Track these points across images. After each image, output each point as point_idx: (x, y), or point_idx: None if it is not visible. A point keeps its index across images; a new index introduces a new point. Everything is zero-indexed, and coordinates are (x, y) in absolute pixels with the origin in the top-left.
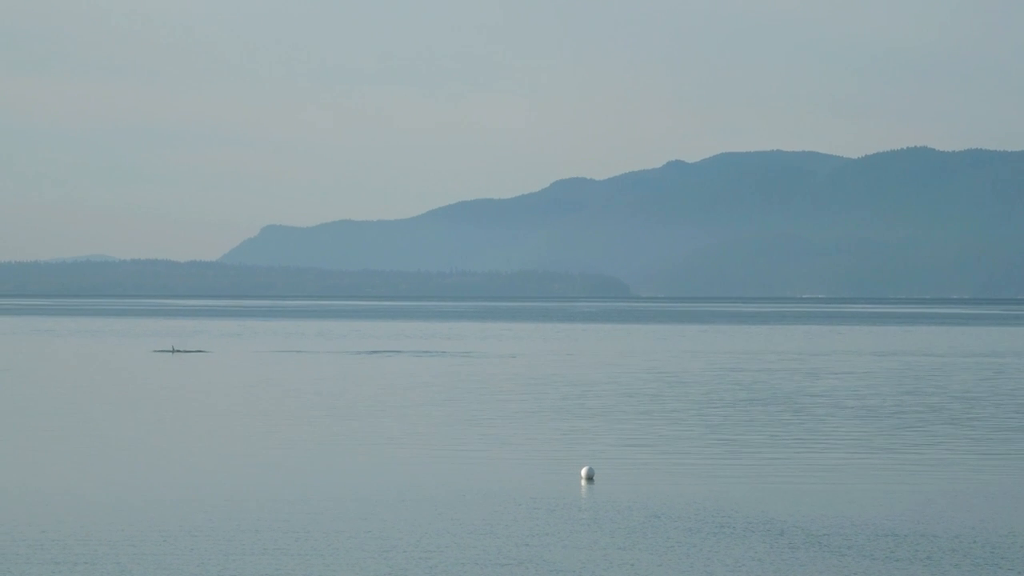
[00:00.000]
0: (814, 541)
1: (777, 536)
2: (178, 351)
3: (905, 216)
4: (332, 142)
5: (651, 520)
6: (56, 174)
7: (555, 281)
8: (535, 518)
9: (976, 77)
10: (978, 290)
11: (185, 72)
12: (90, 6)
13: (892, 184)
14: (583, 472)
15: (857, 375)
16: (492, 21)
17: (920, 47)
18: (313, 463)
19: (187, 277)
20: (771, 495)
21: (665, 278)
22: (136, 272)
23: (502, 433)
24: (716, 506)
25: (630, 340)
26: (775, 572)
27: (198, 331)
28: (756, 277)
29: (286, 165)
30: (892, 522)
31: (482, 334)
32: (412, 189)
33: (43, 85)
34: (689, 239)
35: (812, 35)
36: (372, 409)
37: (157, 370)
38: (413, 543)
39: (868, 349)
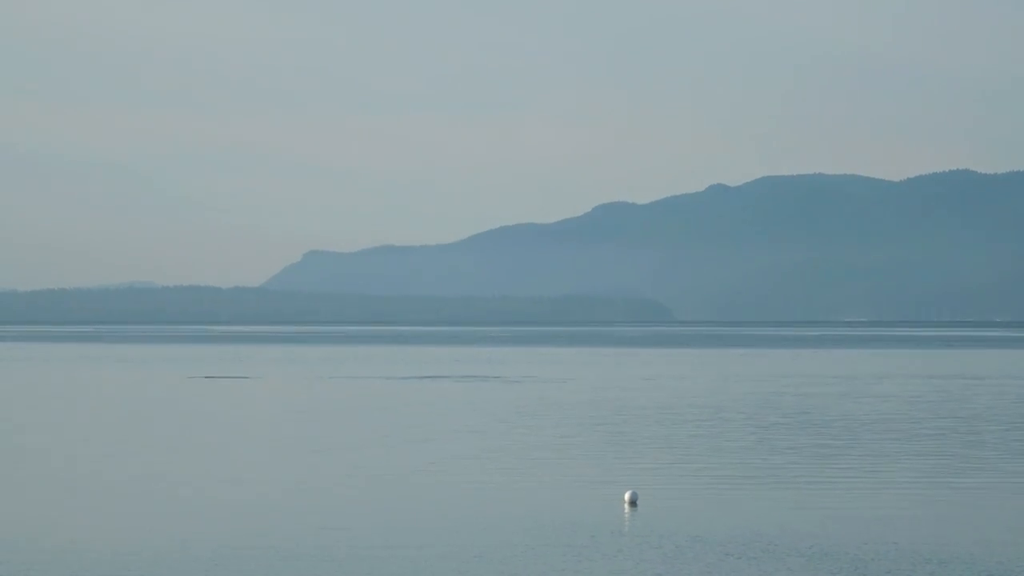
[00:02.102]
0: (857, 565)
1: (819, 560)
2: (216, 377)
3: (948, 238)
4: (374, 167)
5: (693, 544)
6: (98, 201)
7: (597, 305)
8: (576, 543)
9: (1018, 99)
10: (1021, 312)
11: (226, 98)
12: (132, 34)
13: (935, 207)
14: (626, 497)
15: (901, 398)
16: (533, 44)
17: (961, 69)
18: (353, 489)
19: (230, 303)
20: (814, 519)
21: (707, 302)
22: (179, 298)
23: (544, 457)
24: (759, 530)
25: (673, 364)
26: None
27: (242, 357)
28: (799, 301)
29: (328, 191)
30: (936, 548)
31: (525, 359)
32: (454, 214)
33: (84, 112)
34: (731, 263)
35: (852, 58)
36: (416, 434)
37: (200, 398)
38: (452, 568)
39: (912, 372)
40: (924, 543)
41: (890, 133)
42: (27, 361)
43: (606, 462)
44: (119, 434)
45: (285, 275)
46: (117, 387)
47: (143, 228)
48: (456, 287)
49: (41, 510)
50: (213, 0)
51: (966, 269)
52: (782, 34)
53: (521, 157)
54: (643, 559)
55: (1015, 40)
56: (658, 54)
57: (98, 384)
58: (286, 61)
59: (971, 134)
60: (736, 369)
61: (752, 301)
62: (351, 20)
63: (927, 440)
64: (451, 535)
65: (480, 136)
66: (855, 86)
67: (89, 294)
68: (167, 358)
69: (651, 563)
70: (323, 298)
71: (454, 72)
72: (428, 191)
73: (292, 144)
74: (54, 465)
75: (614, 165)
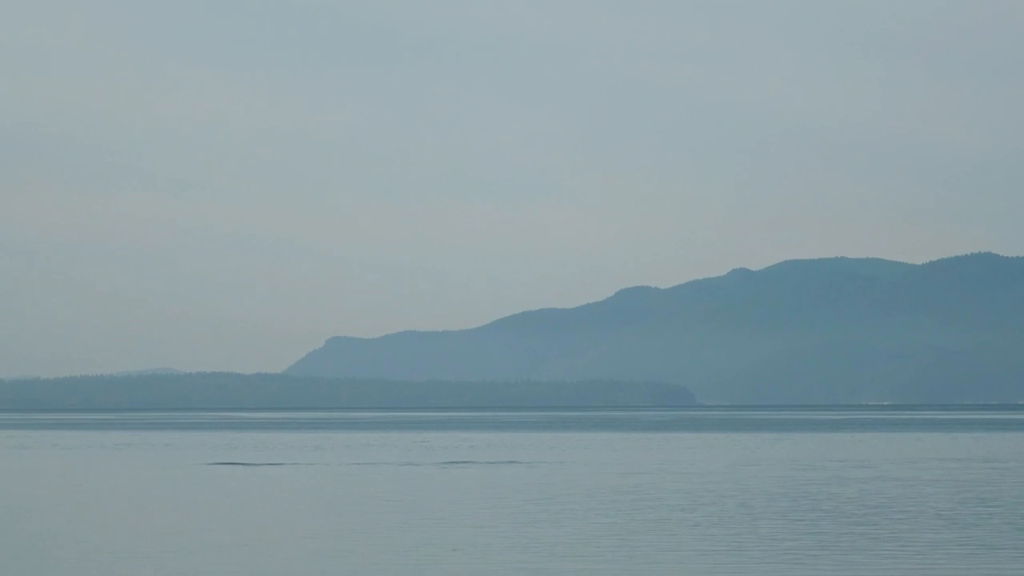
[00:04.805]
0: None
1: None
2: (241, 464)
3: (970, 322)
4: (395, 253)
5: None
6: (120, 287)
7: (620, 390)
8: None
9: None
10: None
11: (248, 184)
12: (154, 120)
13: (956, 290)
14: None
15: (928, 483)
16: (553, 130)
17: (982, 152)
18: (365, 572)
19: (253, 389)
20: None
21: (730, 386)
22: (202, 385)
23: (568, 543)
24: None
25: (697, 449)
26: None
27: (266, 444)
28: (821, 384)
29: (350, 277)
30: None
31: (549, 444)
32: (476, 299)
33: (106, 199)
34: (754, 346)
35: (872, 143)
36: (439, 522)
37: (225, 486)
38: None
39: (937, 456)
40: None
41: (911, 216)
42: (53, 449)
43: (631, 548)
44: (150, 527)
45: (308, 361)
46: (144, 476)
47: (165, 315)
48: (479, 372)
49: None
50: (231, 86)
51: (988, 352)
52: (803, 118)
53: (543, 243)
54: None
55: None
56: (679, 140)
57: (124, 473)
58: (308, 147)
59: (992, 217)
60: (761, 454)
61: (775, 385)
62: (371, 107)
63: (960, 526)
64: None
65: (502, 222)
66: (876, 169)
67: (113, 381)
68: (191, 445)
69: None
70: (346, 384)
71: (475, 157)
72: (450, 277)
73: (314, 230)
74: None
75: (636, 250)
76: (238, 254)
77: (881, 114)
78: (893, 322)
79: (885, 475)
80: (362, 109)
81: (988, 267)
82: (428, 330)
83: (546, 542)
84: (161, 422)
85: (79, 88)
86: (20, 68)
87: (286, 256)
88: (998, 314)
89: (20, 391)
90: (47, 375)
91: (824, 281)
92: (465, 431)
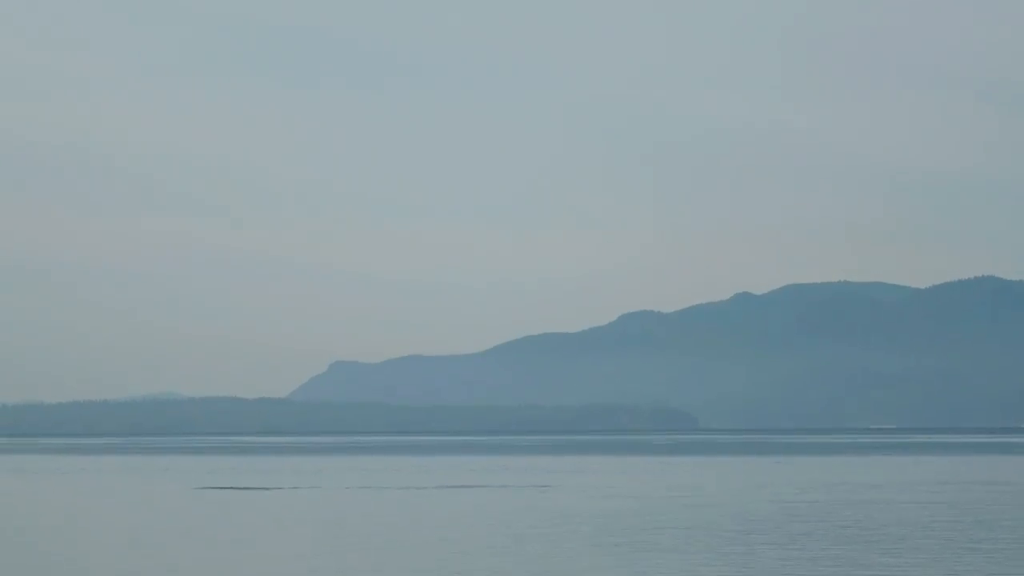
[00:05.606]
0: None
1: None
2: (248, 488)
3: (973, 345)
4: (398, 277)
5: None
6: (122, 311)
7: (623, 414)
8: None
9: None
10: None
11: (250, 207)
12: (153, 143)
13: (960, 313)
14: None
15: (932, 506)
16: (556, 155)
17: (985, 176)
18: None
19: (256, 414)
20: None
21: (734, 410)
22: (205, 410)
23: (558, 565)
24: None
25: (701, 473)
26: None
27: (269, 469)
28: (825, 408)
29: (353, 301)
30: None
31: (552, 467)
32: (479, 324)
33: (108, 222)
34: (757, 370)
35: (876, 166)
36: (441, 547)
37: (232, 511)
38: None
39: (937, 479)
40: None
41: (914, 240)
42: (50, 474)
43: (619, 570)
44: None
45: (311, 386)
46: (129, 501)
47: (168, 339)
48: (482, 397)
49: None
50: (237, 110)
51: (992, 375)
52: (805, 145)
53: (546, 266)
54: None
55: None
56: (682, 164)
57: (110, 497)
58: (311, 171)
59: (995, 241)
60: (761, 478)
61: (778, 409)
62: (375, 130)
63: (963, 550)
64: None
65: (505, 245)
66: (879, 194)
67: (116, 406)
68: (187, 469)
69: None
70: (349, 408)
71: (478, 181)
72: (453, 301)
73: (317, 254)
74: None
75: (639, 274)
76: (240, 278)
77: (885, 139)
78: (896, 345)
79: (884, 498)
80: (366, 132)
81: (991, 291)
82: (431, 354)
83: (541, 564)
84: (162, 446)
85: (85, 109)
86: (31, 89)
87: (288, 280)
88: (1002, 337)
89: (22, 416)
90: (50, 400)
91: (827, 305)
92: (467, 455)
